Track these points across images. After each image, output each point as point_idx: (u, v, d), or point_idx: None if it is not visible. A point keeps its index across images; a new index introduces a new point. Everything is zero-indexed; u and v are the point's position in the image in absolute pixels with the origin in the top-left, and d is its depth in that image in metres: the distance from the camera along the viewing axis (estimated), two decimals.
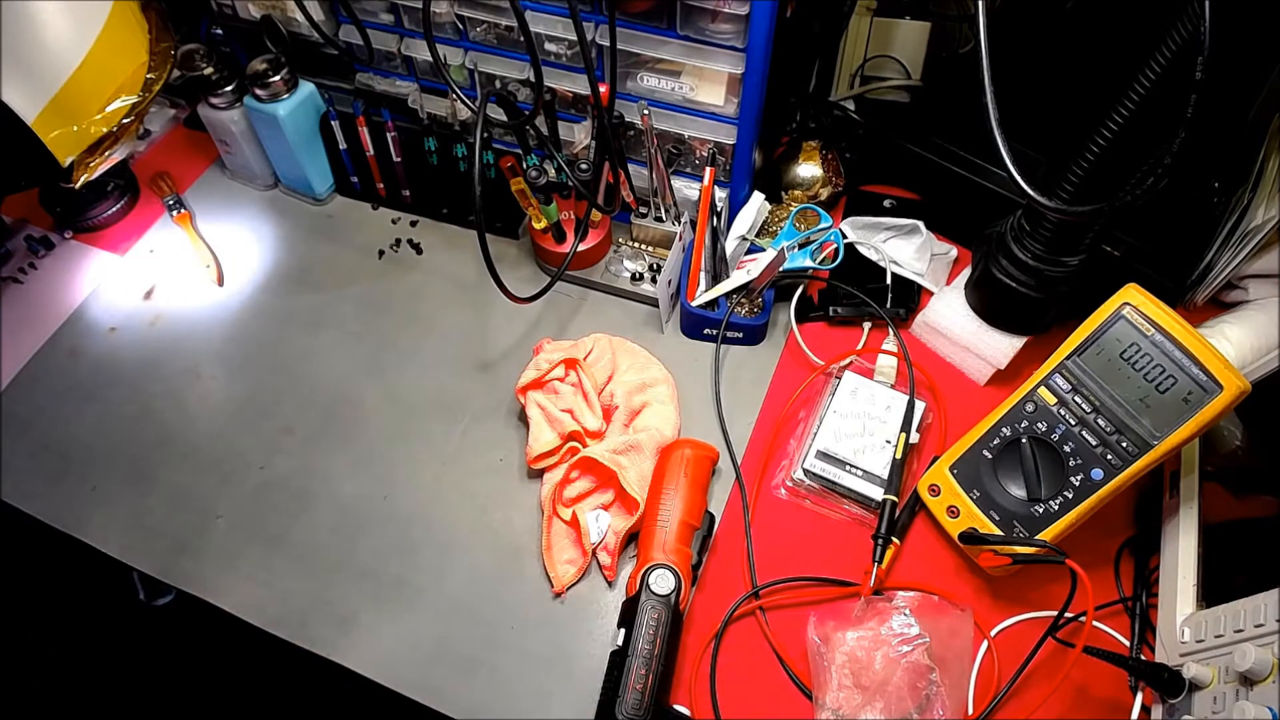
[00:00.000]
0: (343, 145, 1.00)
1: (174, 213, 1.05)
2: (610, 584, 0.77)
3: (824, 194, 1.00)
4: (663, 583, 0.71)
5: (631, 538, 0.79)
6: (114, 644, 1.41)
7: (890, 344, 0.89)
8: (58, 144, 0.87)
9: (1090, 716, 0.70)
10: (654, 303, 0.95)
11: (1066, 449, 0.71)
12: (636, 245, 0.99)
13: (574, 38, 0.79)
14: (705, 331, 0.92)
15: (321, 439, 0.87)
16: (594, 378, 0.86)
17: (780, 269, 0.89)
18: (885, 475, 0.78)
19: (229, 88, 0.98)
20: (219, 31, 1.02)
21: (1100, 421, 0.70)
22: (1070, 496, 0.70)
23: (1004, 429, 0.74)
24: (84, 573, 1.29)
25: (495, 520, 0.81)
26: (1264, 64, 0.81)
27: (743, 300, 0.92)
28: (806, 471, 0.80)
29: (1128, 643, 0.72)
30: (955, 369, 0.90)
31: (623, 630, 0.70)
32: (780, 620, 0.75)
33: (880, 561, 0.75)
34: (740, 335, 0.91)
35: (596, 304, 0.96)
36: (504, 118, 0.87)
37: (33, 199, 1.06)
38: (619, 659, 0.68)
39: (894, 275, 0.92)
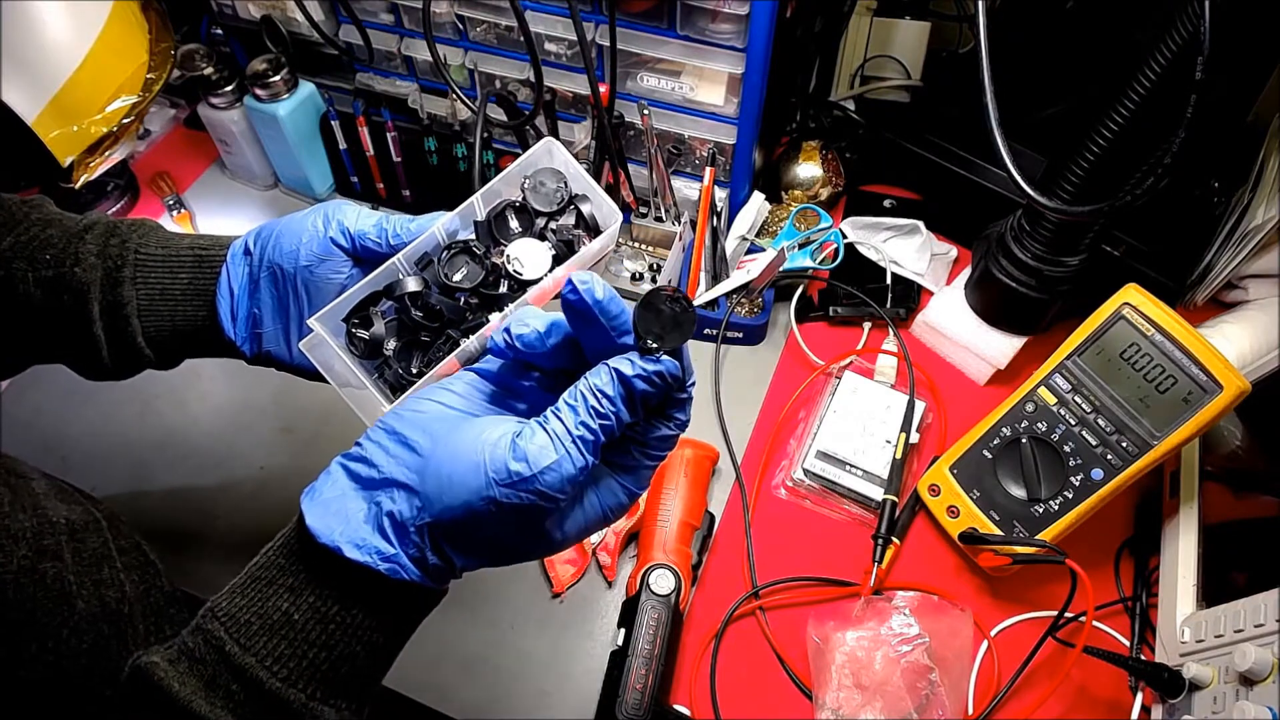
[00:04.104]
0: (343, 145, 1.00)
1: (174, 213, 1.05)
2: (610, 584, 0.77)
3: (824, 194, 1.00)
4: (663, 583, 0.71)
5: (631, 537, 0.79)
6: None
7: (890, 344, 0.89)
8: (58, 144, 0.86)
9: (1090, 716, 0.70)
10: None
11: (1066, 449, 0.71)
12: (636, 245, 0.99)
13: (574, 38, 0.78)
14: (705, 331, 0.92)
15: (321, 439, 0.87)
16: None
17: (780, 269, 0.90)
18: (885, 475, 0.78)
19: (229, 88, 0.98)
20: (219, 31, 1.02)
21: (1100, 421, 0.70)
22: (1070, 496, 0.70)
23: (1004, 429, 0.74)
24: None
25: None
26: (1264, 64, 0.81)
27: (743, 300, 0.92)
28: (806, 471, 0.80)
29: (1128, 643, 0.72)
30: (955, 369, 0.90)
31: (623, 630, 0.70)
32: (780, 620, 0.75)
33: (880, 561, 0.75)
34: (740, 335, 0.91)
35: None
36: (504, 118, 0.87)
37: None
38: (619, 659, 0.68)
39: (894, 275, 0.92)
